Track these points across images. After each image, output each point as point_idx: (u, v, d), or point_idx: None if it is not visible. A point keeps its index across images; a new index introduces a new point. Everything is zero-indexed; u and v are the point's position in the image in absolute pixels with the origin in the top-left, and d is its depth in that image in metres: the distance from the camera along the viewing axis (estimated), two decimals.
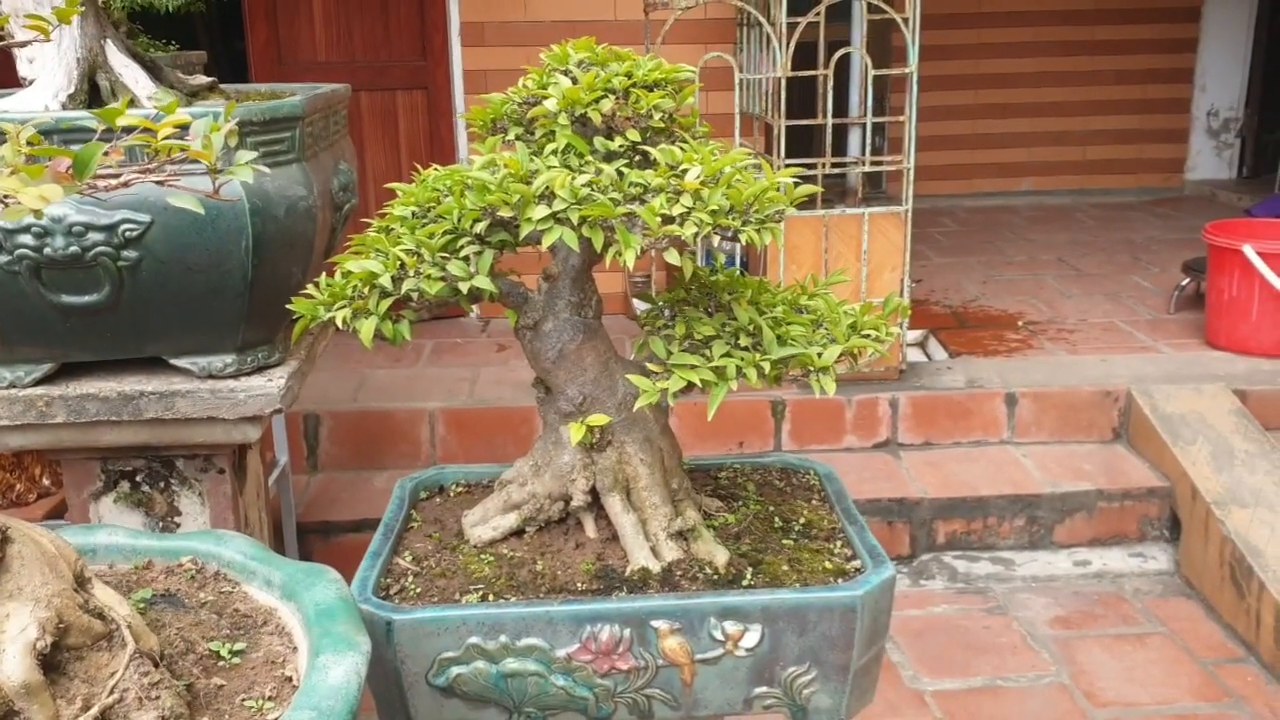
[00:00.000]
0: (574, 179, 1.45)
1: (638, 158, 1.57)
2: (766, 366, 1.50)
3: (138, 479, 2.20)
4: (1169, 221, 6.77)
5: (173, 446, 2.13)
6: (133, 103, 2.05)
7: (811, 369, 1.54)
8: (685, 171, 1.47)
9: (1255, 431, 3.71)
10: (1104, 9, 7.17)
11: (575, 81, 1.57)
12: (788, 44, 3.71)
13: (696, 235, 1.40)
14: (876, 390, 3.95)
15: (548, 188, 1.44)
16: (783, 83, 3.77)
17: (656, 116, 1.55)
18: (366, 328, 1.50)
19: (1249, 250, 4.11)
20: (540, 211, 1.43)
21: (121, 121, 1.05)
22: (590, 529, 1.70)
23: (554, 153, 1.52)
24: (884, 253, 3.95)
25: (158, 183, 1.02)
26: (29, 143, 0.97)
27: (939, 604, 3.47)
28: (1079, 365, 4.24)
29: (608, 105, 1.53)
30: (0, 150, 1.05)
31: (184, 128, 1.12)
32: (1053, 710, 2.91)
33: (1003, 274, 5.67)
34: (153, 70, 2.16)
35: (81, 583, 1.13)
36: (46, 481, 3.25)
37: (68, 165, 0.95)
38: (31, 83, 2.03)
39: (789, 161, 3.83)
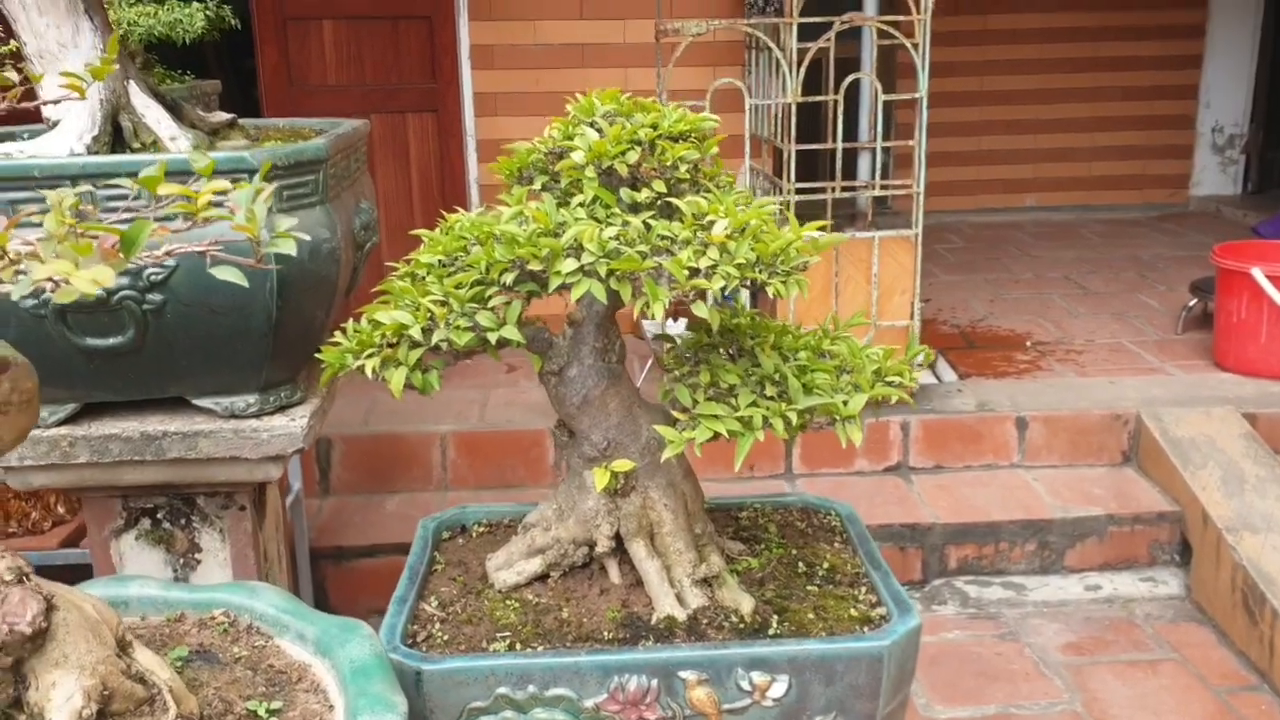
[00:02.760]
0: (602, 232, 1.46)
1: (662, 206, 1.58)
2: (793, 417, 1.51)
3: (159, 516, 2.20)
4: (1174, 238, 6.78)
5: (195, 485, 2.14)
6: (156, 144, 2.07)
7: (837, 418, 1.54)
8: (711, 223, 1.49)
9: (1265, 455, 3.72)
10: (1108, 26, 7.19)
11: (601, 133, 1.58)
12: (798, 70, 3.72)
13: (724, 288, 1.41)
14: (887, 413, 3.95)
15: (576, 241, 1.46)
16: (793, 108, 3.79)
17: (682, 168, 1.56)
18: (397, 379, 1.51)
19: (1258, 273, 4.12)
20: (569, 265, 1.44)
21: (162, 191, 1.06)
22: (614, 574, 1.71)
23: (581, 204, 1.53)
24: (894, 275, 3.96)
25: (200, 253, 1.03)
26: (74, 211, 0.98)
27: (951, 630, 3.47)
28: (1088, 387, 4.25)
29: (634, 157, 1.55)
30: (46, 221, 1.06)
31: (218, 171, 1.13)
32: None
33: (1010, 292, 5.68)
34: (174, 109, 2.18)
35: (123, 647, 1.14)
36: (61, 510, 3.27)
37: (114, 242, 0.96)
38: (55, 124, 2.04)
39: (799, 185, 3.85)
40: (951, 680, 3.19)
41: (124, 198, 1.85)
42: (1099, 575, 3.70)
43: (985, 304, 5.47)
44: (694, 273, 1.44)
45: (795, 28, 3.73)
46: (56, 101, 1.41)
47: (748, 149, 4.05)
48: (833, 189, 3.89)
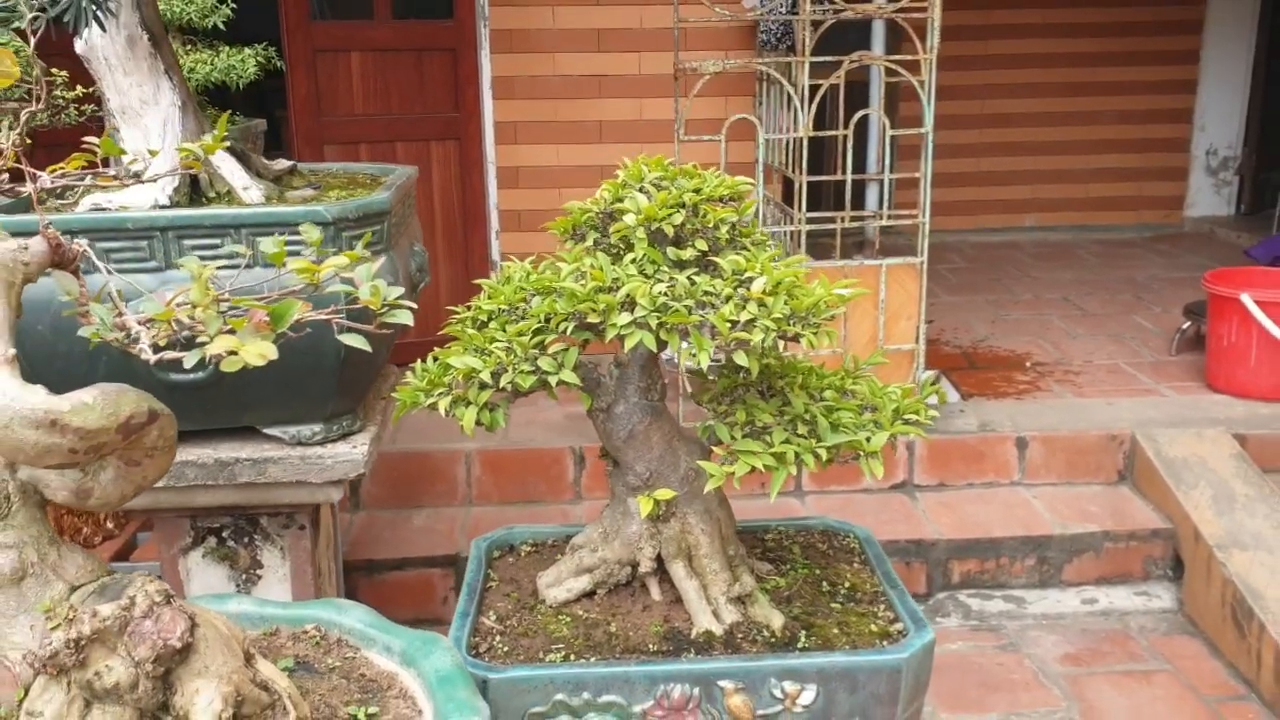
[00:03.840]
0: (652, 287, 1.64)
1: (704, 263, 1.76)
2: (823, 453, 1.69)
3: (224, 535, 2.38)
4: (1169, 259, 6.97)
5: (260, 506, 2.32)
6: (230, 194, 2.25)
7: (862, 453, 1.72)
8: (750, 280, 1.67)
9: (1254, 475, 3.90)
10: (1106, 52, 7.39)
11: (649, 197, 1.76)
12: (809, 106, 3.91)
13: (763, 340, 1.59)
14: None
15: (630, 296, 1.64)
16: (804, 142, 3.97)
17: (723, 229, 1.74)
18: (469, 417, 1.69)
19: (1247, 299, 4.30)
20: (624, 319, 1.62)
21: (292, 266, 1.24)
22: (655, 592, 1.88)
23: (633, 261, 1.71)
24: (900, 302, 4.15)
25: (326, 321, 1.21)
26: (224, 301, 1.16)
27: (954, 641, 3.65)
28: (1085, 408, 4.43)
29: (679, 219, 1.73)
30: (192, 292, 1.24)
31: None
32: None
33: (1010, 313, 5.87)
34: (242, 158, 2.36)
35: (249, 659, 1.32)
36: (110, 525, 3.44)
37: (263, 317, 1.14)
38: (136, 175, 2.22)
39: (809, 215, 4.03)
40: (955, 689, 3.36)
41: (208, 246, 2.03)
42: (1095, 589, 3.88)
43: (986, 325, 5.65)
44: (734, 324, 1.62)
45: (807, 65, 3.92)
46: (169, 174, 1.58)
47: (760, 179, 4.23)
48: (842, 219, 4.07)
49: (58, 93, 2.89)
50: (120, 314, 1.26)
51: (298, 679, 1.46)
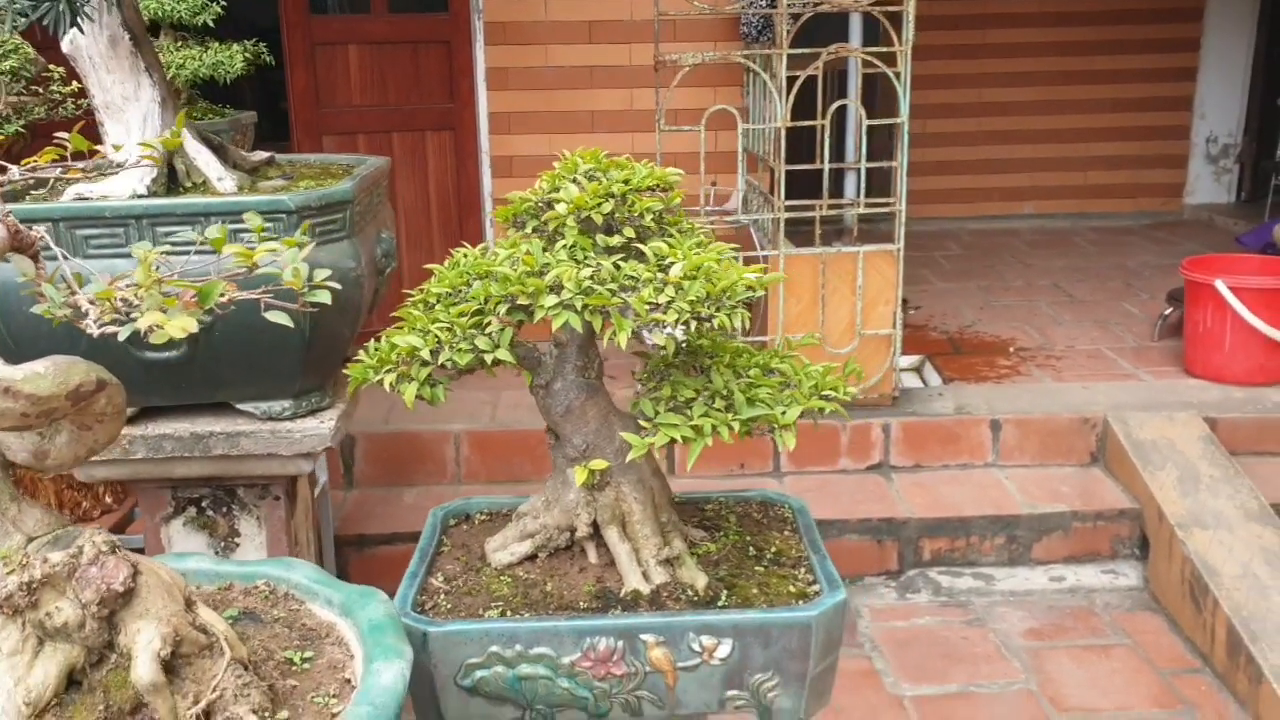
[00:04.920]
0: (579, 272, 1.77)
1: (633, 250, 1.89)
2: (736, 425, 1.82)
3: (203, 505, 2.53)
4: (1164, 246, 7.03)
5: (235, 478, 2.47)
6: (205, 184, 2.39)
7: (776, 425, 1.85)
8: (670, 265, 1.79)
9: (1221, 457, 4.00)
10: (1106, 40, 7.45)
11: (581, 188, 1.89)
12: (788, 97, 4.02)
13: (677, 320, 1.71)
14: (870, 416, 4.25)
15: (558, 280, 1.77)
16: (783, 132, 4.09)
17: (648, 217, 1.86)
18: (409, 392, 1.83)
19: (1220, 285, 4.39)
20: (550, 300, 1.75)
21: (226, 251, 1.37)
22: (592, 555, 2.02)
23: (564, 247, 1.84)
24: (878, 288, 4.26)
25: (255, 300, 1.35)
26: (159, 276, 1.30)
27: (923, 616, 3.77)
28: (1062, 392, 4.53)
29: (608, 208, 1.85)
30: (137, 274, 1.38)
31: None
32: (1019, 715, 3.21)
33: (1000, 299, 5.96)
34: (219, 151, 2.50)
35: (189, 604, 1.46)
36: (109, 499, 3.61)
37: (192, 295, 1.28)
38: (118, 166, 2.36)
39: (789, 203, 4.15)
40: (919, 662, 3.49)
41: (186, 241, 2.18)
42: (1063, 567, 3.99)
43: (975, 311, 5.75)
44: (654, 307, 1.75)
45: (785, 58, 4.03)
46: (136, 164, 1.72)
47: (741, 167, 4.35)
48: (821, 206, 4.18)
49: (54, 87, 3.05)
50: (73, 293, 1.40)
51: (242, 627, 1.60)
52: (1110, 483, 4.14)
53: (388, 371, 1.88)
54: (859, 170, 4.30)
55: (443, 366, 1.85)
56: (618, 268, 1.80)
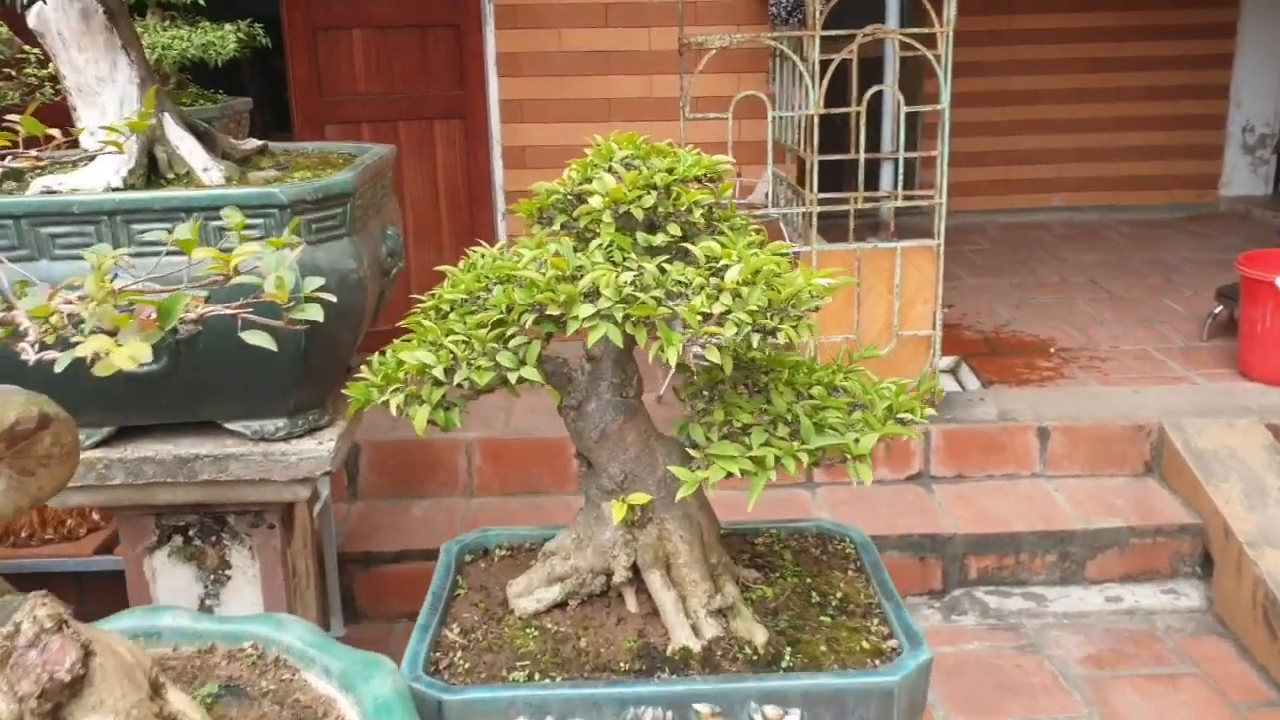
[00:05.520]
0: (618, 276, 1.50)
1: (678, 249, 1.62)
2: (805, 457, 1.55)
3: (190, 534, 2.27)
4: (1202, 240, 6.75)
5: (225, 504, 2.20)
6: (189, 175, 2.12)
7: (849, 456, 1.58)
8: (725, 268, 1.52)
9: None
10: (1138, 25, 7.15)
11: (619, 178, 1.62)
12: (821, 82, 3.74)
13: (736, 335, 1.44)
14: None
15: (594, 286, 1.50)
16: (815, 119, 3.81)
17: (696, 212, 1.59)
18: (420, 417, 1.56)
19: None
20: (586, 310, 1.48)
21: (196, 256, 1.11)
22: (631, 603, 1.75)
23: (599, 247, 1.58)
24: (916, 285, 3.98)
25: (232, 316, 1.08)
26: (113, 287, 1.03)
27: (971, 641, 3.50)
28: (1111, 396, 4.26)
29: (649, 202, 1.58)
30: (87, 283, 1.11)
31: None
32: None
33: (1035, 296, 5.68)
34: (206, 138, 2.23)
35: (156, 689, 1.19)
36: (96, 516, 3.35)
37: (150, 313, 1.01)
38: (93, 156, 2.10)
39: (822, 196, 3.87)
40: (971, 692, 3.22)
41: (159, 242, 1.91)
42: (1120, 587, 3.72)
43: (1010, 309, 5.47)
44: (706, 317, 1.48)
45: (818, 40, 3.75)
46: (103, 152, 1.46)
47: (770, 158, 4.08)
48: (855, 199, 3.91)
49: (29, 70, 2.78)
50: (10, 308, 1.13)
51: (225, 706, 1.34)
52: (1167, 495, 3.87)
53: (395, 391, 1.61)
54: (895, 161, 4.02)
55: (458, 386, 1.59)
56: (663, 271, 1.54)
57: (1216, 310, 4.85)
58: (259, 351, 1.99)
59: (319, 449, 2.09)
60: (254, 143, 2.41)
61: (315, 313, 1.10)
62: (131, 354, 0.91)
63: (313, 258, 1.94)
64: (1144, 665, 3.35)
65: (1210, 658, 3.38)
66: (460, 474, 4.00)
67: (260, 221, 1.91)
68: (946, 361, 4.59)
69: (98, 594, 3.46)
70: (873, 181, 4.09)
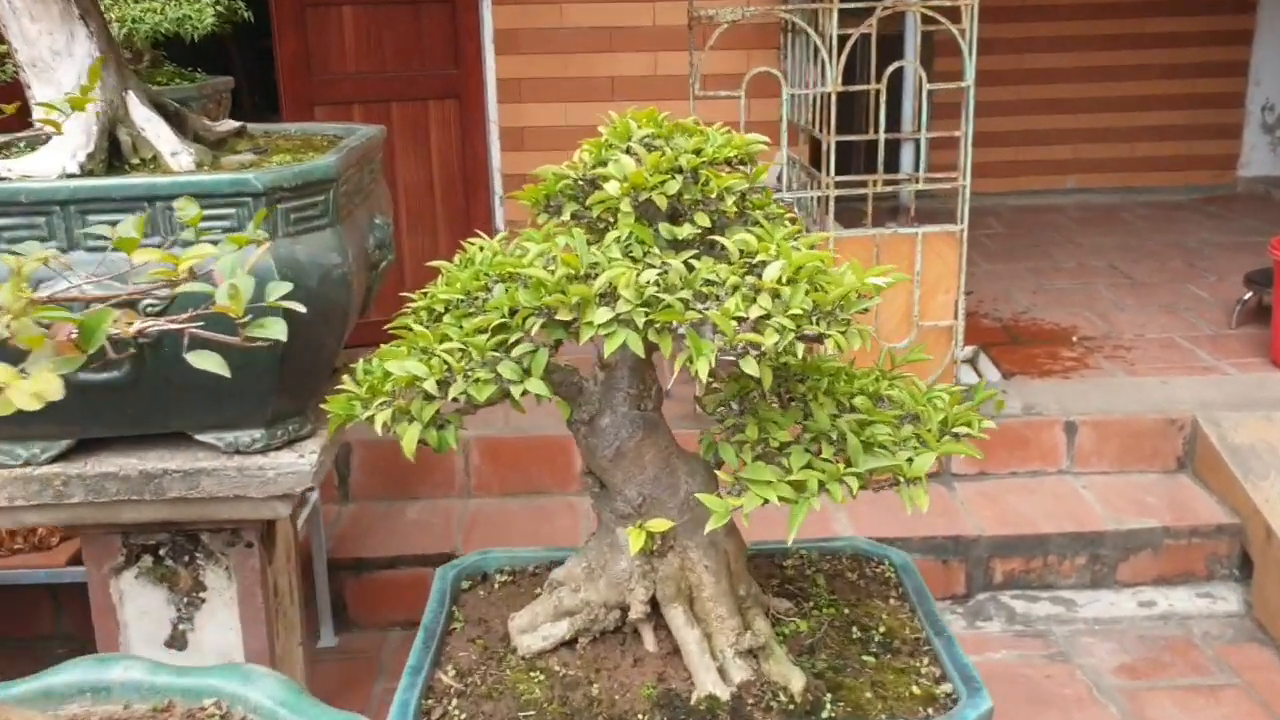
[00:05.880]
0: (639, 275, 1.30)
1: (707, 243, 1.42)
2: (853, 482, 1.35)
3: (161, 553, 2.07)
4: (1222, 223, 6.54)
5: (198, 522, 2.00)
6: (155, 160, 1.91)
7: (902, 479, 1.38)
8: (763, 264, 1.32)
9: None
10: (1154, 1, 6.92)
11: (639, 160, 1.41)
12: (838, 58, 3.53)
13: (778, 344, 1.24)
14: None
15: (611, 286, 1.29)
16: (832, 97, 3.60)
17: (729, 200, 1.39)
18: (409, 437, 1.36)
19: None
20: (603, 314, 1.28)
21: (138, 258, 0.91)
22: (649, 642, 1.56)
23: (616, 240, 1.37)
24: (938, 274, 3.78)
25: (178, 332, 0.88)
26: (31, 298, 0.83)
27: (997, 649, 3.31)
28: (1139, 388, 4.06)
29: (674, 188, 1.38)
30: (1, 292, 0.91)
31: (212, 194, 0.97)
32: None
33: (1053, 282, 5.48)
34: (176, 119, 2.02)
35: None
36: None
37: (71, 331, 0.81)
38: (49, 138, 1.89)
39: (838, 179, 3.67)
40: (1000, 706, 3.00)
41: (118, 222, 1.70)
42: (1154, 590, 3.52)
43: (1028, 295, 5.27)
44: (741, 322, 1.28)
45: (835, 12, 3.54)
46: (45, 126, 1.25)
47: (784, 139, 3.86)
48: (874, 182, 3.70)
49: None
50: None
51: None
52: (1202, 493, 3.67)
53: (381, 406, 1.41)
54: (916, 142, 3.81)
55: (454, 400, 1.38)
56: (690, 268, 1.33)
57: (1246, 296, 4.65)
58: (231, 357, 1.80)
59: (300, 463, 1.89)
60: (231, 124, 2.20)
61: (277, 329, 0.90)
62: (37, 390, 0.71)
63: (291, 251, 1.74)
64: (1182, 675, 3.16)
65: (1251, 666, 3.19)
66: (457, 474, 3.80)
67: (232, 211, 1.71)
68: (965, 352, 4.38)
69: (74, 607, 3.27)
70: (888, 164, 3.87)
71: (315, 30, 4.34)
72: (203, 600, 2.10)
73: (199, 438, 1.90)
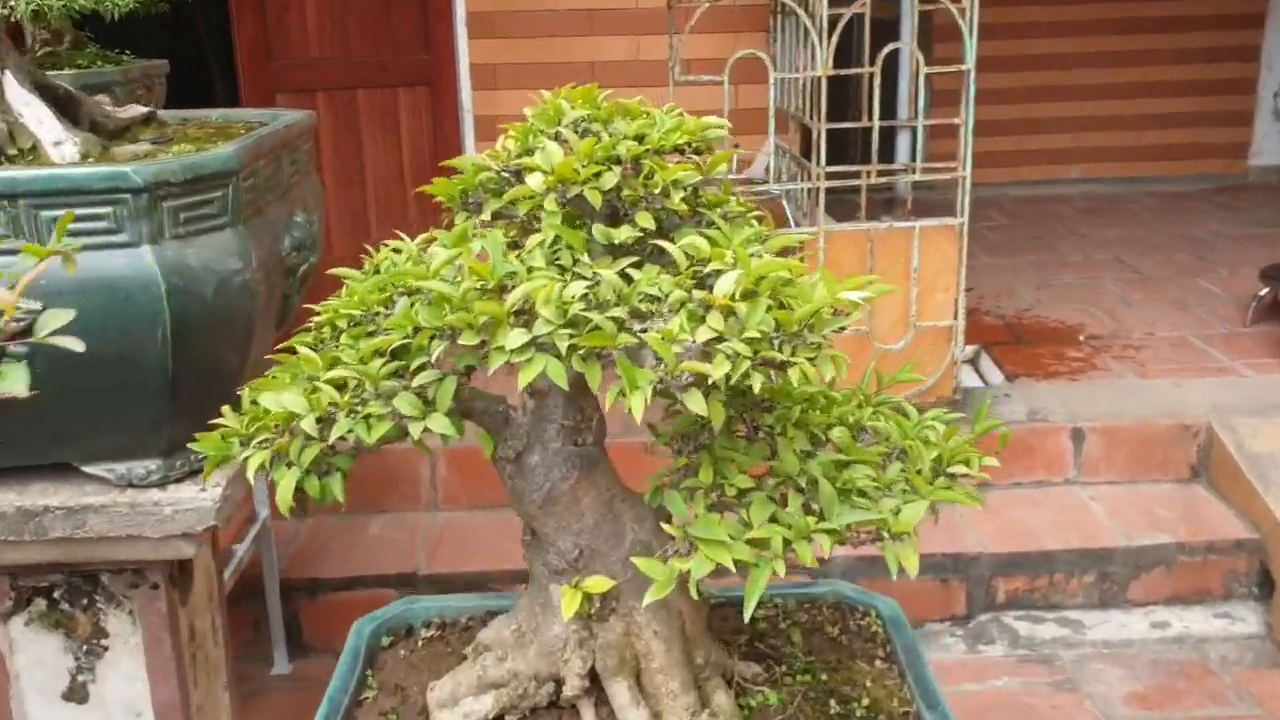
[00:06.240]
0: (564, 289, 1.06)
1: (651, 248, 1.18)
2: (825, 540, 1.11)
3: (55, 596, 1.83)
4: (1232, 214, 6.30)
5: (93, 562, 1.76)
6: (35, 150, 1.67)
7: (887, 534, 1.14)
8: (716, 274, 1.08)
9: None
10: None
11: (570, 148, 1.17)
12: (829, 40, 3.28)
13: (728, 378, 1.00)
14: None
15: (528, 301, 1.05)
16: (823, 82, 3.35)
17: (676, 196, 1.14)
18: (284, 485, 1.12)
19: None
20: (516, 338, 1.04)
21: None
22: (589, 718, 1.31)
23: (540, 246, 1.13)
24: (936, 270, 3.54)
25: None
26: None
27: (1000, 675, 3.08)
28: (1150, 391, 3.82)
29: (611, 181, 1.14)
30: None
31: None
32: None
33: (1058, 276, 5.24)
34: (66, 104, 1.78)
35: None
36: None
37: None
38: None
39: (830, 170, 3.42)
40: None
41: None
42: (1167, 610, 3.29)
43: (1031, 291, 5.02)
44: (688, 350, 1.03)
45: None
46: None
47: (772, 127, 3.62)
48: (868, 174, 3.46)
49: None
50: None
51: None
52: (1218, 504, 3.43)
53: (259, 447, 1.16)
54: (913, 130, 3.56)
55: (342, 440, 1.14)
56: (628, 279, 1.09)
57: (1261, 293, 4.41)
58: (115, 377, 1.54)
59: (201, 497, 1.64)
60: (138, 110, 1.95)
61: (15, 379, 0.66)
62: None
63: (180, 256, 1.50)
64: (1199, 705, 2.93)
65: (1274, 695, 2.96)
66: (423, 485, 3.57)
67: (108, 210, 1.47)
68: (966, 352, 4.14)
69: None
70: (883, 154, 3.63)
71: (275, 13, 4.09)
72: (105, 648, 1.86)
73: (87, 469, 1.65)
